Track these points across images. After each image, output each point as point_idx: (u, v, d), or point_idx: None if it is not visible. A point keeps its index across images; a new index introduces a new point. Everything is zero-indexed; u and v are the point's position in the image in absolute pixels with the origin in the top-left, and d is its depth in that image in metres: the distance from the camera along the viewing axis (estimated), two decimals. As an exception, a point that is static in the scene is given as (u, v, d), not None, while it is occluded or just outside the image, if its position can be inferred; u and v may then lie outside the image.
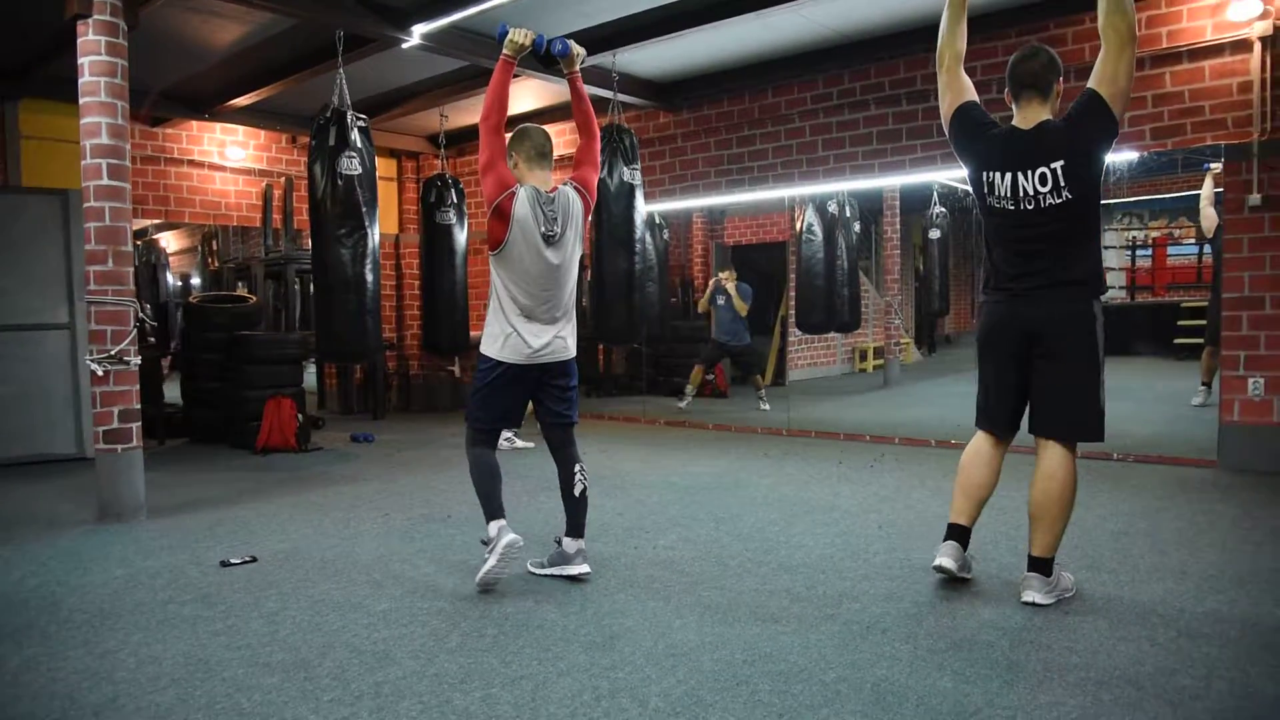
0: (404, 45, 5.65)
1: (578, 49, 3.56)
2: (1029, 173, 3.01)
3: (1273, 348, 5.10)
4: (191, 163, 7.83)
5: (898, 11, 5.84)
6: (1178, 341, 10.05)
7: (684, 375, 10.02)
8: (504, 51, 3.43)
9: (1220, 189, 6.72)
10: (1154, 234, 11.87)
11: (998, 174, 3.08)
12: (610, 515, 4.46)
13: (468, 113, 7.63)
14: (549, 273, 3.33)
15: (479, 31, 5.87)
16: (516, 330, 3.33)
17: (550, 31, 5.94)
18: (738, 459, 6.05)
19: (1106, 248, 12.76)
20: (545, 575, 3.49)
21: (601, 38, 5.96)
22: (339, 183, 5.19)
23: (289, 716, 2.33)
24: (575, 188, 3.43)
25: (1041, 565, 3.08)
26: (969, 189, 3.24)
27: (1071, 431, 3.08)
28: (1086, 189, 2.98)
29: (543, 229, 3.29)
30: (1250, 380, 5.17)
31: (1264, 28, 5.02)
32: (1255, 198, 5.08)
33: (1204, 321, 7.96)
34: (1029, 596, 3.05)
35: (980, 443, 3.38)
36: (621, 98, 6.45)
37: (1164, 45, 5.29)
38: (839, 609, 3.06)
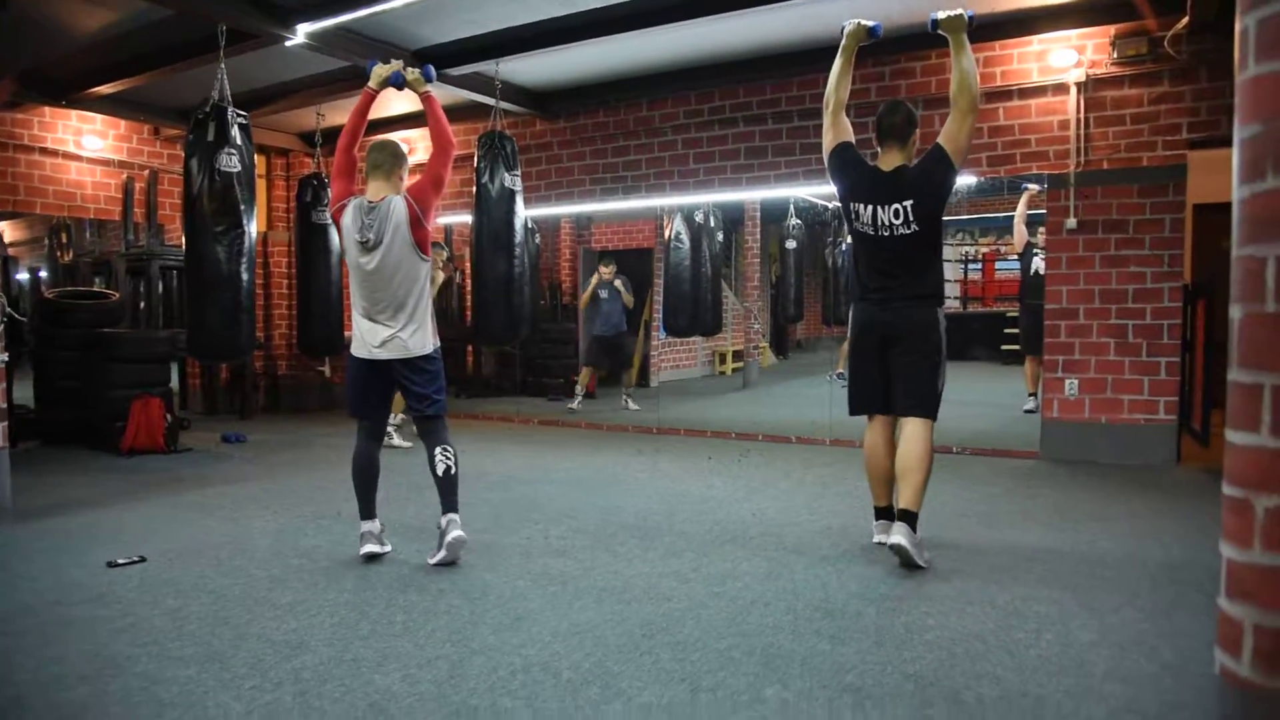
0: (287, 44, 5.58)
1: (412, 74, 3.87)
2: (886, 207, 3.62)
3: (1086, 353, 5.74)
4: (44, 151, 7.39)
5: (765, 39, 6.21)
6: (1005, 348, 10.98)
7: (554, 376, 10.19)
8: (369, 84, 3.84)
9: (1035, 210, 7.48)
10: (984, 249, 12.89)
11: (862, 205, 3.68)
12: (501, 508, 4.59)
13: (344, 112, 7.53)
14: (369, 276, 3.61)
15: (365, 33, 5.86)
16: (359, 328, 3.69)
17: (436, 38, 6.07)
18: (613, 456, 6.28)
19: (945, 261, 13.70)
20: (438, 564, 3.62)
21: (486, 46, 6.06)
22: (216, 179, 5.08)
23: (212, 705, 2.38)
24: (404, 197, 3.61)
25: (909, 517, 3.56)
26: (826, 204, 3.75)
27: (922, 410, 3.66)
28: (931, 222, 3.62)
29: (357, 236, 3.58)
30: (1067, 381, 5.80)
31: (1079, 74, 5.67)
32: (1072, 221, 5.71)
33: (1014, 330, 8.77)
34: (895, 539, 3.51)
35: (872, 433, 3.84)
36: (503, 105, 6.55)
37: (998, 84, 5.87)
38: (724, 587, 3.32)
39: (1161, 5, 5.28)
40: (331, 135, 7.85)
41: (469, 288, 8.60)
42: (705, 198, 7.51)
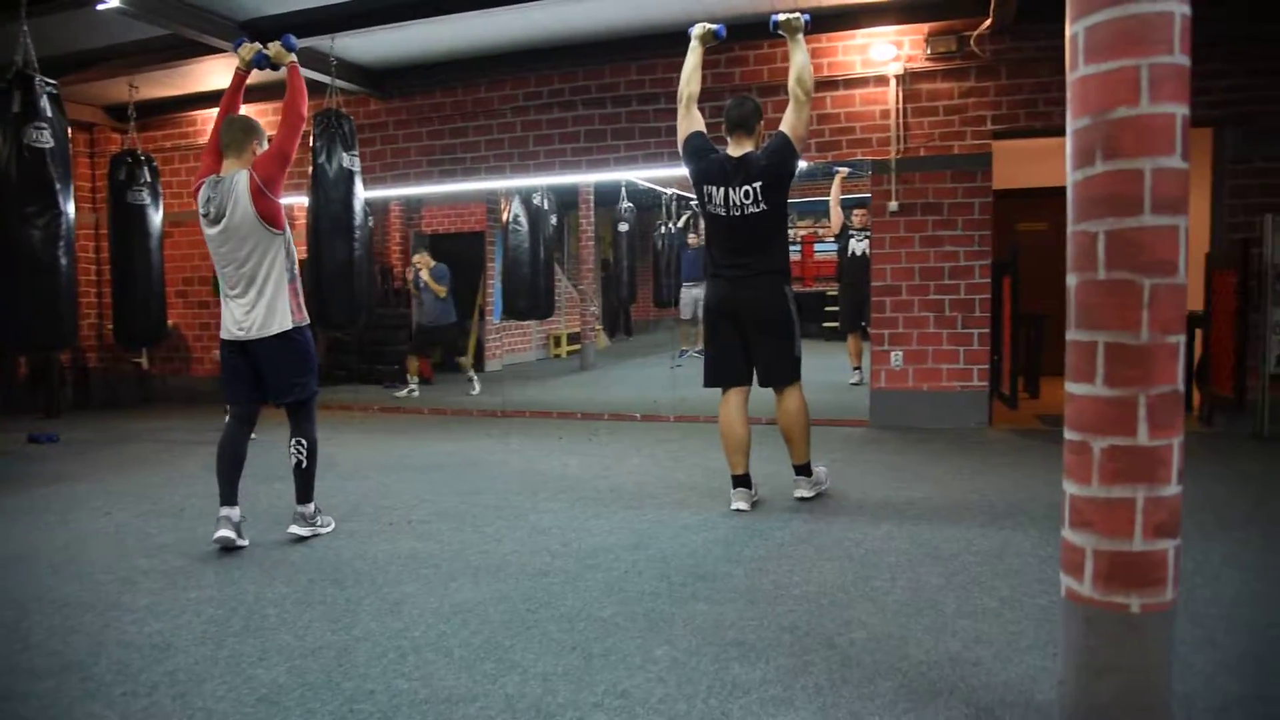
0: (99, 7, 5.17)
1: (273, 49, 3.91)
2: (737, 189, 3.92)
3: (909, 327, 6.22)
4: None
5: (604, 23, 6.31)
6: (826, 325, 11.63)
7: (388, 363, 9.93)
8: (238, 65, 3.90)
9: (846, 194, 7.98)
10: (802, 232, 13.55)
11: (715, 188, 3.99)
12: (357, 496, 4.49)
13: (161, 85, 7.05)
14: (218, 251, 3.63)
15: (189, 0, 5.51)
16: (224, 309, 3.71)
17: (268, 9, 5.79)
18: (462, 440, 6.24)
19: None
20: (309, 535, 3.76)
21: (321, 20, 5.85)
22: (26, 155, 4.66)
23: (81, 715, 2.25)
24: (248, 171, 3.59)
25: (803, 469, 4.16)
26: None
27: (784, 379, 4.07)
28: (778, 202, 3.97)
29: (202, 209, 3.61)
30: (892, 353, 6.26)
31: (897, 68, 6.11)
32: (894, 204, 6.15)
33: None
34: (800, 492, 4.16)
35: (727, 406, 4.09)
36: (338, 83, 6.33)
37: (825, 74, 6.22)
38: (597, 560, 3.42)
39: (969, 7, 5.78)
40: (145, 109, 7.34)
41: (302, 272, 8.26)
42: (546, 180, 7.55)
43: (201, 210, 3.59)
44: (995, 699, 2.24)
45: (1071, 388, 1.93)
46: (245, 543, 3.69)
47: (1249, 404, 5.74)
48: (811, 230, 13.71)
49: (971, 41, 5.92)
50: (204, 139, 8.11)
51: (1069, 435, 1.93)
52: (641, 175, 8.89)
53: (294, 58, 3.89)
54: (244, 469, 3.72)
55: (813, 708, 2.21)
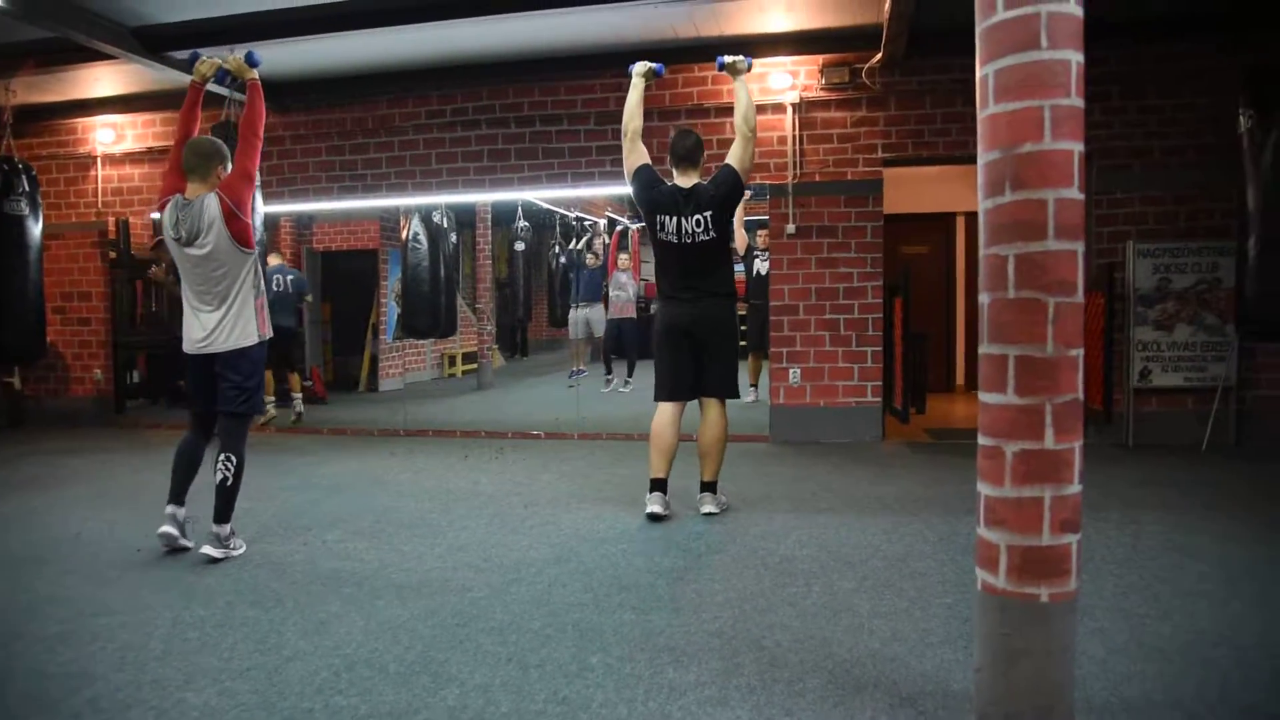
0: (-22, 11, 4.93)
1: (234, 62, 4.00)
2: (689, 217, 4.17)
3: (806, 345, 6.48)
4: None
5: (508, 44, 6.38)
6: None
7: (278, 381, 9.63)
8: (193, 78, 4.00)
9: (751, 216, 8.25)
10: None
11: (667, 217, 4.23)
12: (266, 517, 4.38)
13: (41, 90, 6.72)
14: (190, 269, 3.70)
15: (77, 2, 5.29)
16: (184, 322, 3.78)
17: (163, 16, 5.62)
18: (366, 459, 6.14)
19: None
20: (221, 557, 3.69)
21: (218, 30, 5.72)
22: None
23: (-4, 744, 2.17)
24: (217, 194, 3.67)
25: (711, 486, 4.33)
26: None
27: (724, 393, 4.32)
28: (726, 229, 4.26)
29: (171, 233, 3.67)
30: (790, 370, 6.51)
31: (794, 96, 6.40)
32: (791, 227, 6.42)
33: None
34: (706, 508, 4.28)
35: (666, 413, 4.27)
36: (236, 95, 6.16)
37: (726, 100, 6.44)
38: (520, 574, 3.46)
39: (861, 41, 6.10)
40: (24, 114, 6.99)
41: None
42: (449, 199, 7.53)
43: (171, 233, 3.66)
44: (915, 689, 2.40)
45: (985, 397, 2.11)
46: (188, 544, 3.78)
47: (1116, 416, 6.22)
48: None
49: (863, 74, 6.26)
50: (86, 148, 7.79)
51: (983, 441, 2.11)
52: (546, 195, 8.97)
53: (256, 74, 3.95)
54: (197, 474, 3.82)
55: (747, 706, 2.32)
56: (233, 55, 4.02)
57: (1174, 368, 6.16)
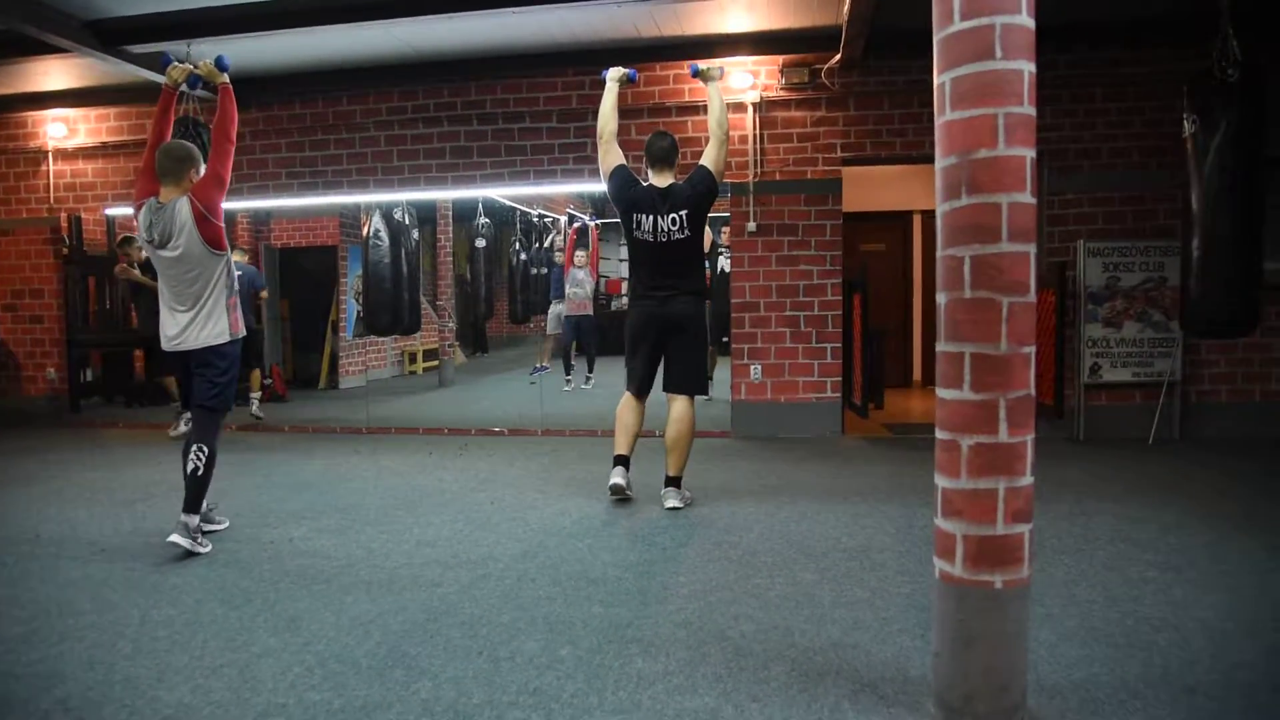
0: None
1: (204, 68, 4.13)
2: (664, 216, 4.30)
3: (766, 341, 6.57)
4: None
5: (470, 41, 6.38)
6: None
7: (240, 379, 9.52)
8: (165, 83, 4.05)
9: (716, 213, 8.34)
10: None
11: (644, 215, 4.36)
12: (231, 515, 4.35)
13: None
14: (166, 270, 3.82)
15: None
16: (168, 319, 3.87)
17: (119, 9, 5.56)
18: (330, 456, 6.12)
19: (622, 260, 14.59)
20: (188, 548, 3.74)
21: (176, 24, 5.66)
22: None
23: (-35, 744, 2.16)
24: (189, 197, 3.78)
25: (675, 481, 4.43)
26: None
27: (691, 389, 4.45)
28: (699, 229, 4.39)
29: (145, 235, 3.81)
30: (751, 366, 6.60)
31: (754, 95, 6.49)
32: (752, 225, 6.51)
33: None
34: (670, 503, 4.37)
35: (630, 399, 4.47)
36: (195, 91, 6.08)
37: (687, 99, 6.53)
38: (488, 569, 3.50)
39: (821, 42, 6.21)
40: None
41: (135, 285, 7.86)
42: (411, 196, 7.51)
43: (145, 236, 3.81)
44: (876, 676, 2.49)
45: (942, 393, 2.20)
46: (224, 522, 4.16)
47: (1067, 411, 6.39)
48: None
49: (823, 74, 6.36)
50: (37, 142, 7.65)
51: (940, 435, 2.20)
52: (508, 193, 8.97)
53: (226, 78, 4.04)
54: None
55: (715, 693, 2.39)
56: (204, 61, 4.09)
57: (1122, 363, 6.35)
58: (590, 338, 9.50)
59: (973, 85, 2.12)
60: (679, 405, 4.40)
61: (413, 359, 12.28)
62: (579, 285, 9.35)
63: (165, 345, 3.90)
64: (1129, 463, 5.47)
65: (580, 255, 9.52)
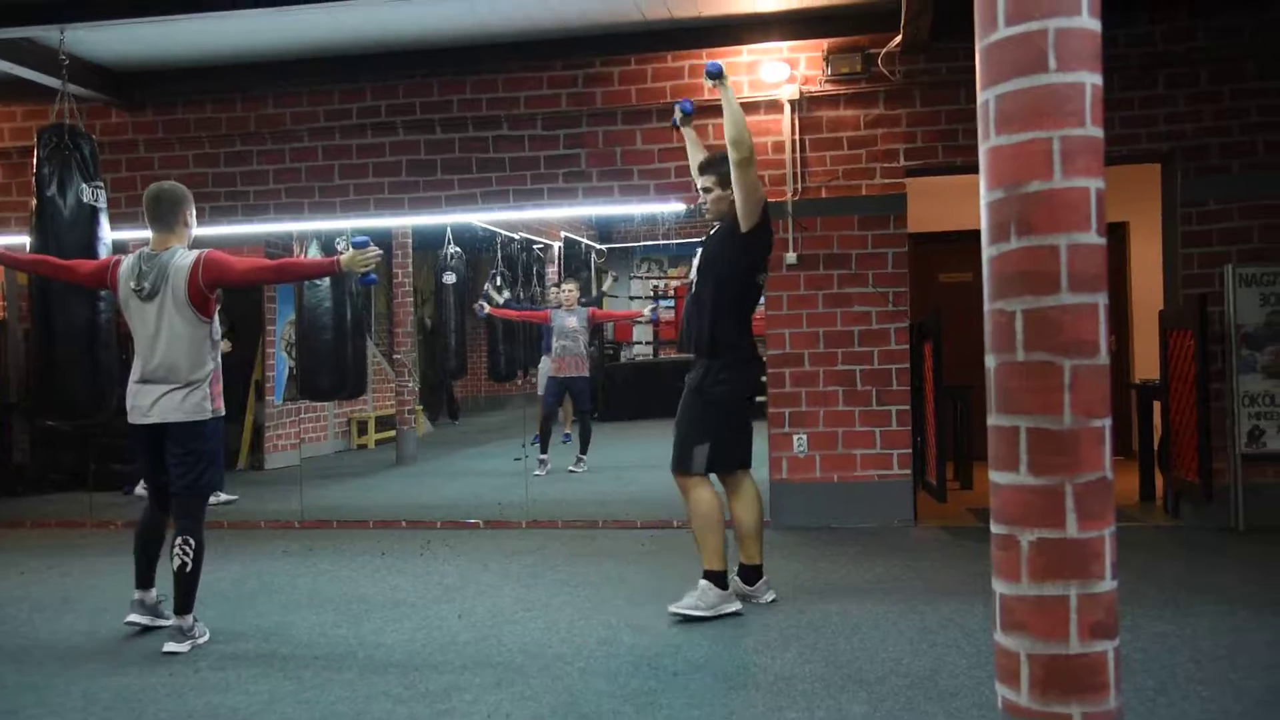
0: None
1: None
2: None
3: (813, 404, 6.77)
4: None
5: (430, 27, 6.70)
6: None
7: (132, 461, 9.73)
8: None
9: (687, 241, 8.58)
10: (675, 282, 14.11)
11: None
12: (118, 642, 4.55)
13: None
14: (148, 326, 4.44)
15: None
16: (131, 389, 4.49)
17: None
18: (252, 559, 6.31)
19: (631, 298, 14.91)
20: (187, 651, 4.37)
21: (45, 5, 5.97)
22: None
23: None
24: (196, 256, 4.44)
25: (705, 575, 4.70)
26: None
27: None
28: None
29: (132, 284, 4.42)
30: (795, 437, 6.78)
31: (792, 91, 6.76)
32: (792, 256, 6.74)
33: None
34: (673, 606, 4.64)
35: (744, 483, 4.95)
36: (70, 88, 6.40)
37: (706, 96, 6.74)
38: (450, 703, 3.66)
39: (875, 21, 6.47)
40: None
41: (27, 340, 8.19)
42: (358, 223, 7.77)
43: (133, 285, 4.43)
44: (930, 833, 2.63)
45: (996, 477, 2.37)
46: (164, 621, 4.56)
47: (1218, 491, 6.44)
48: (687, 281, 14.26)
49: (879, 61, 6.63)
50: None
51: (995, 529, 2.37)
52: (483, 219, 9.21)
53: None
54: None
55: None
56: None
57: (1295, 427, 6.39)
58: (585, 404, 9.53)
59: (1022, 103, 2.32)
60: (752, 481, 5.03)
61: (362, 429, 12.51)
62: (568, 336, 9.36)
63: (135, 418, 4.45)
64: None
65: (565, 290, 9.54)
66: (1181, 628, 4.31)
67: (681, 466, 4.77)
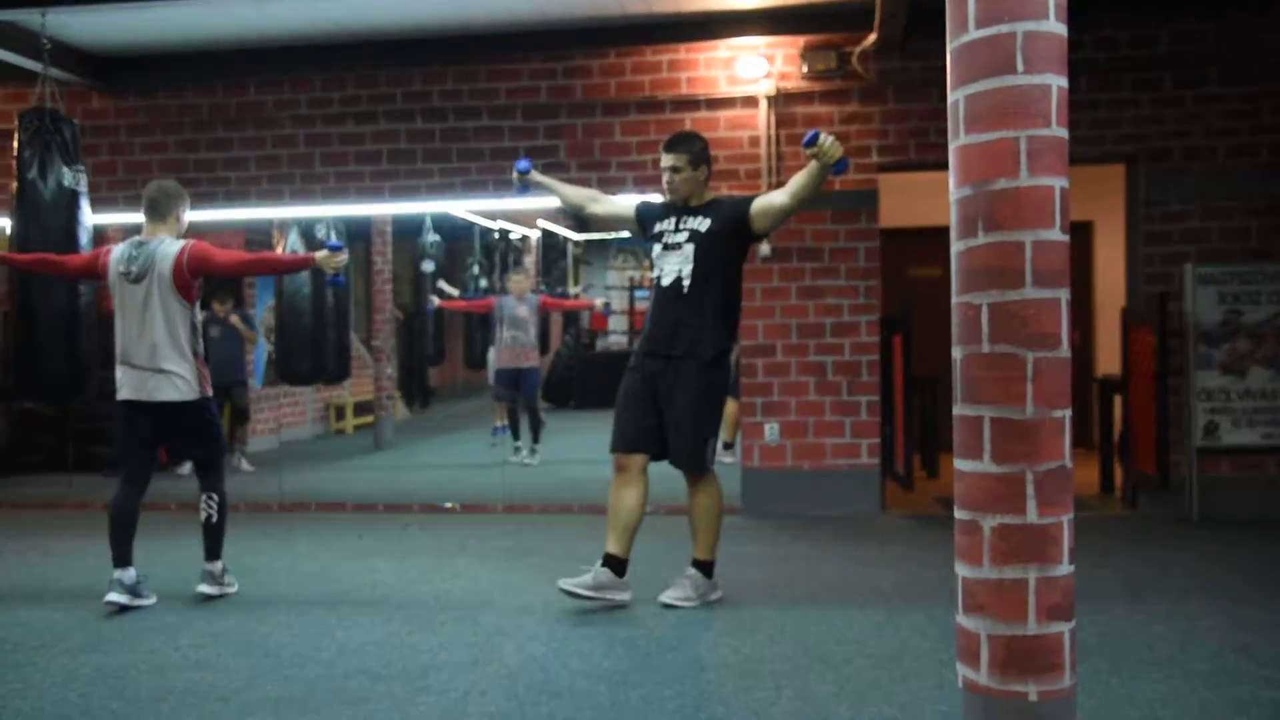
0: None
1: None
2: None
3: (785, 394, 6.83)
4: None
5: (412, 17, 6.72)
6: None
7: (112, 443, 9.72)
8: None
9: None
10: (651, 274, 14.14)
11: None
12: (99, 621, 4.56)
13: None
14: (135, 309, 4.72)
15: None
16: (120, 373, 4.76)
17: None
18: (232, 540, 6.13)
19: (608, 288, 14.92)
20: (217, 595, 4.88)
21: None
22: None
23: None
24: (181, 245, 4.74)
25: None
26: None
27: None
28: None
29: (121, 268, 4.74)
30: (767, 426, 6.85)
31: (769, 87, 6.82)
32: (766, 249, 6.79)
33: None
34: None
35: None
36: (52, 72, 6.38)
37: (684, 92, 6.86)
38: (428, 680, 3.70)
39: (851, 19, 6.52)
40: None
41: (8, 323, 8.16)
42: (338, 210, 7.79)
43: (122, 269, 4.73)
44: (893, 808, 2.69)
45: (960, 464, 2.44)
46: (144, 601, 4.76)
47: (1175, 482, 6.57)
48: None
49: (854, 59, 6.70)
50: None
51: (959, 515, 2.43)
52: (462, 207, 9.22)
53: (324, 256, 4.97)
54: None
55: (697, 830, 2.59)
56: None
57: (1248, 422, 6.50)
58: (532, 397, 9.33)
59: (991, 104, 2.38)
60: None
61: (340, 414, 12.50)
62: (518, 326, 9.18)
63: (126, 394, 4.75)
64: (1254, 550, 5.69)
65: (517, 278, 9.35)
66: (1136, 613, 4.40)
67: (699, 465, 4.69)
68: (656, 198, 4.97)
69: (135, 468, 4.90)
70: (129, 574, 4.74)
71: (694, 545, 4.74)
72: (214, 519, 4.91)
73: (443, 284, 11.38)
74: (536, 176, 5.07)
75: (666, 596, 4.61)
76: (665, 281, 4.66)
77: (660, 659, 3.90)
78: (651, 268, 4.82)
